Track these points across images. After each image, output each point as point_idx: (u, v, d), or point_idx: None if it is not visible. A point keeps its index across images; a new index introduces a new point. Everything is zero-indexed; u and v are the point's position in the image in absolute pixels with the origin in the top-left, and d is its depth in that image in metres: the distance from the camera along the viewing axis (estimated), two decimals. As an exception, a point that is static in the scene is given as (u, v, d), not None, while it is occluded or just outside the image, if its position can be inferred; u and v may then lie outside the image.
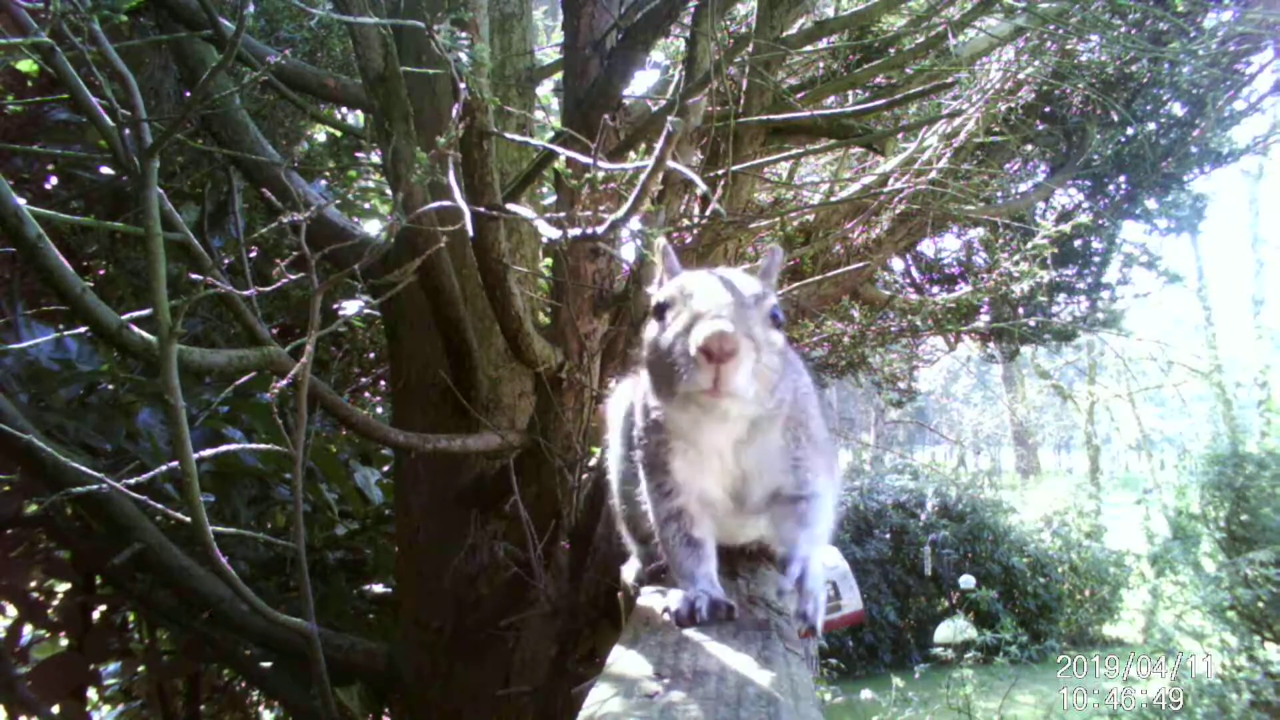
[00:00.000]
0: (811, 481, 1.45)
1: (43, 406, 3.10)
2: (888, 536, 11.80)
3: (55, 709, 3.51)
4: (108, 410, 3.24)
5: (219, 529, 1.75)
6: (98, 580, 3.79)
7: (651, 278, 2.53)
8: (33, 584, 3.84)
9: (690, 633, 1.25)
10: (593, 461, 2.82)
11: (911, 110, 3.75)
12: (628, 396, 1.72)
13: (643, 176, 1.61)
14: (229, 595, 2.84)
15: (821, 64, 3.84)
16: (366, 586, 4.24)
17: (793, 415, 1.43)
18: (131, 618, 4.13)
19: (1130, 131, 4.29)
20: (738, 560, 1.69)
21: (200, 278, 1.71)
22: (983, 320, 4.50)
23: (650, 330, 1.30)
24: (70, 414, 3.11)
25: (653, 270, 1.41)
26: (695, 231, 3.01)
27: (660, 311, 1.29)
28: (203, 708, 4.29)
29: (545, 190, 4.44)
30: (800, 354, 1.64)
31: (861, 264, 3.88)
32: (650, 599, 1.52)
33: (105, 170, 3.82)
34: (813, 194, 4.09)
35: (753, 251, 3.85)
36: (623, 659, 1.18)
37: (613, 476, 1.76)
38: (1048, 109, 4.28)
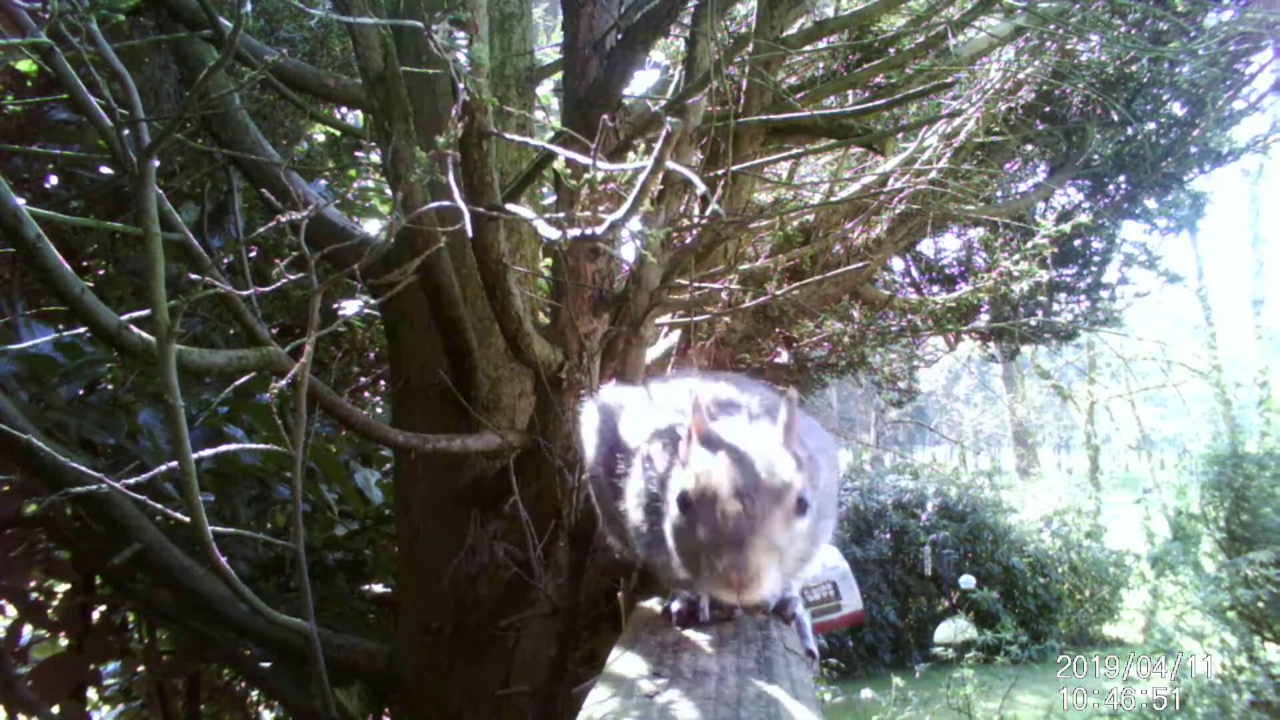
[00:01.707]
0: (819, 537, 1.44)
1: (43, 405, 3.10)
2: (888, 536, 11.80)
3: (55, 709, 3.50)
4: (109, 408, 3.24)
5: (219, 529, 1.75)
6: (98, 580, 3.78)
7: (652, 284, 2.52)
8: (33, 584, 3.84)
9: (690, 633, 1.25)
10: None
11: (911, 110, 3.75)
12: (595, 417, 1.70)
13: (642, 177, 1.61)
14: (229, 595, 2.84)
15: (821, 64, 3.84)
16: (366, 586, 4.24)
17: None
18: (131, 618, 4.12)
19: (1130, 131, 4.28)
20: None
21: (200, 278, 1.71)
22: (983, 320, 4.49)
23: (673, 517, 1.27)
24: (71, 411, 3.11)
25: (690, 408, 1.32)
26: (695, 231, 3.01)
27: (683, 505, 1.26)
28: (203, 708, 4.28)
29: (545, 190, 4.44)
30: (821, 430, 1.58)
31: (861, 264, 3.87)
32: (651, 600, 1.52)
33: (105, 170, 3.82)
34: (813, 194, 4.09)
35: (752, 251, 3.85)
36: (622, 659, 1.18)
37: (597, 503, 1.74)
38: (1048, 109, 4.28)
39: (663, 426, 1.47)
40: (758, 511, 1.19)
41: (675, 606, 1.31)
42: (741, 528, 1.17)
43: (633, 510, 1.51)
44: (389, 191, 3.72)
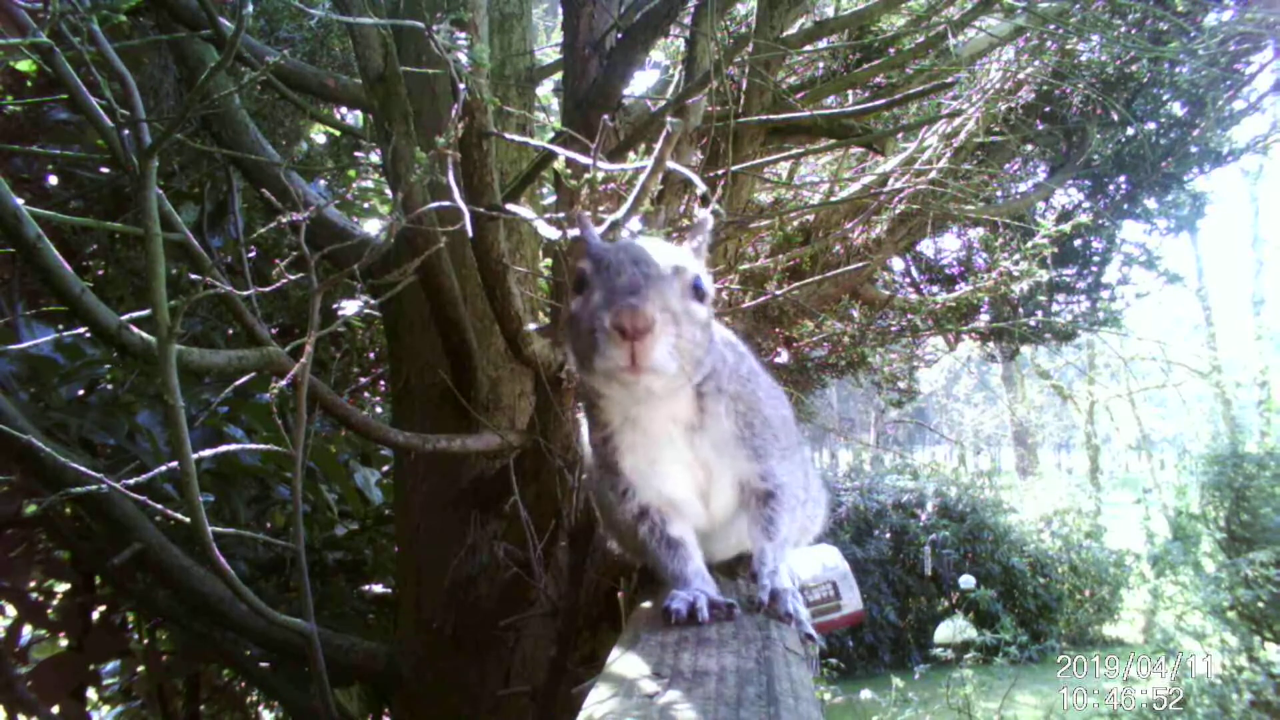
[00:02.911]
0: (775, 471, 1.43)
1: (43, 405, 3.10)
2: (888, 536, 11.81)
3: (55, 709, 3.50)
4: (109, 408, 3.24)
5: (219, 529, 1.75)
6: (98, 580, 3.78)
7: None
8: (33, 584, 3.84)
9: (690, 633, 1.25)
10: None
11: (911, 110, 3.75)
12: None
13: (642, 177, 1.61)
14: (229, 595, 2.84)
15: (821, 64, 3.84)
16: (366, 586, 4.24)
17: (738, 396, 1.40)
18: (131, 618, 4.12)
19: (1130, 131, 4.28)
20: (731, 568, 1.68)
21: (200, 278, 1.71)
22: (983, 320, 4.50)
23: (572, 303, 1.27)
24: (71, 411, 3.11)
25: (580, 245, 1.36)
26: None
27: (579, 285, 1.26)
28: (203, 708, 4.28)
29: (545, 190, 4.44)
30: (743, 339, 1.65)
31: (861, 264, 3.87)
32: (648, 602, 1.51)
33: (105, 170, 3.82)
34: (813, 194, 4.09)
35: (752, 251, 3.85)
36: (622, 659, 1.18)
37: (597, 507, 1.73)
38: (1048, 109, 4.28)
39: None
40: (653, 274, 1.19)
41: (674, 605, 1.29)
42: (636, 280, 1.16)
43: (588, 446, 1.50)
44: (389, 191, 3.72)
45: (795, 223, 3.88)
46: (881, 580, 11.36)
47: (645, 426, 1.36)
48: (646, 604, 1.50)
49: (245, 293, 2.00)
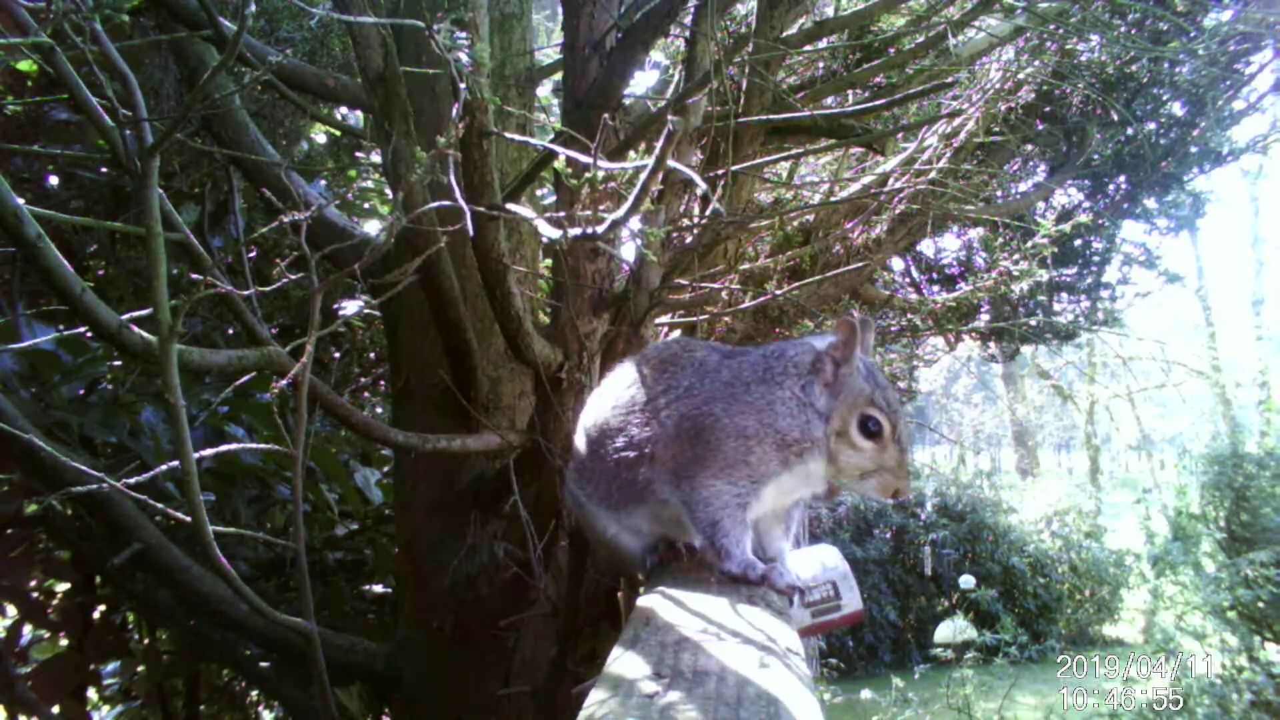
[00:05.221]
0: None
1: (45, 404, 3.10)
2: (888, 536, 11.81)
3: (55, 709, 3.50)
4: (110, 407, 3.24)
5: (219, 529, 1.75)
6: (98, 580, 3.78)
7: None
8: (33, 584, 3.84)
9: (690, 633, 1.25)
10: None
11: (911, 110, 3.75)
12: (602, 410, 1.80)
13: (643, 176, 1.61)
14: (229, 595, 2.84)
15: (821, 64, 3.84)
16: (366, 586, 4.23)
17: None
18: (131, 618, 4.12)
19: (1130, 131, 4.28)
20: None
21: (200, 277, 1.71)
22: (983, 320, 4.50)
23: (855, 435, 1.54)
24: (72, 410, 3.11)
25: (848, 337, 1.57)
26: (695, 231, 3.01)
27: (867, 426, 1.54)
28: (203, 708, 4.28)
29: (545, 191, 4.44)
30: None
31: (861, 264, 3.87)
32: (650, 597, 1.52)
33: (105, 170, 3.82)
34: (813, 194, 4.09)
35: (752, 251, 3.85)
36: (623, 659, 1.18)
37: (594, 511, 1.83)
38: (1048, 109, 4.28)
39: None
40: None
41: (734, 569, 1.54)
42: (911, 456, 1.54)
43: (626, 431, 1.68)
44: (389, 191, 3.72)
45: (795, 223, 3.88)
46: (881, 580, 11.36)
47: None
48: (647, 603, 1.51)
49: (245, 293, 2.00)
